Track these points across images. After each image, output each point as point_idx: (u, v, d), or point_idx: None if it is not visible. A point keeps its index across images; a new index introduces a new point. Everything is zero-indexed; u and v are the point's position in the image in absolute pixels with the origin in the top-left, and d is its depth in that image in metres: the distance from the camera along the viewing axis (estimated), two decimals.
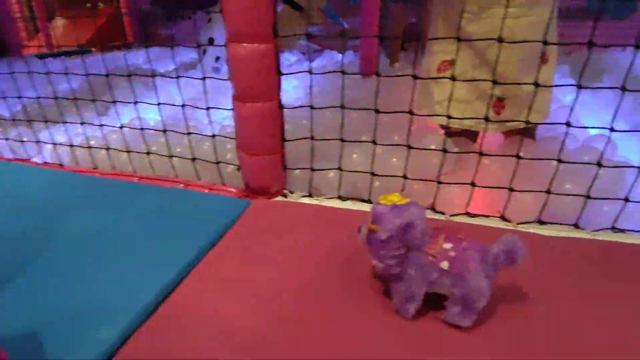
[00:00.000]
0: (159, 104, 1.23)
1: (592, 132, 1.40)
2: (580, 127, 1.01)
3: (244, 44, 0.99)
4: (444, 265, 0.67)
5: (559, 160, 0.97)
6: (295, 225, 1.00)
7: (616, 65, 2.52)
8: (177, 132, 1.26)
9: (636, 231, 0.99)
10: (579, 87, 0.91)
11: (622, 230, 1.00)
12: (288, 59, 3.38)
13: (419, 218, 0.67)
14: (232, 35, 1.01)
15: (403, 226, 0.66)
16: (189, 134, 1.23)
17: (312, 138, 1.11)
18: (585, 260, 0.88)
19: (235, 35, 1.00)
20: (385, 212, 0.67)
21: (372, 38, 2.44)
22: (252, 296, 0.78)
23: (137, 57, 3.73)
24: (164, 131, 1.26)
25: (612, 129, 0.93)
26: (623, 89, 0.89)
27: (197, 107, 1.20)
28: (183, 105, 1.21)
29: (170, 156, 1.29)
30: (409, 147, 1.05)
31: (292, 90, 2.37)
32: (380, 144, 1.07)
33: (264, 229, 1.00)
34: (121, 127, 1.36)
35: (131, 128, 1.37)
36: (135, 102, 1.29)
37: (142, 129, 1.32)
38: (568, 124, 0.94)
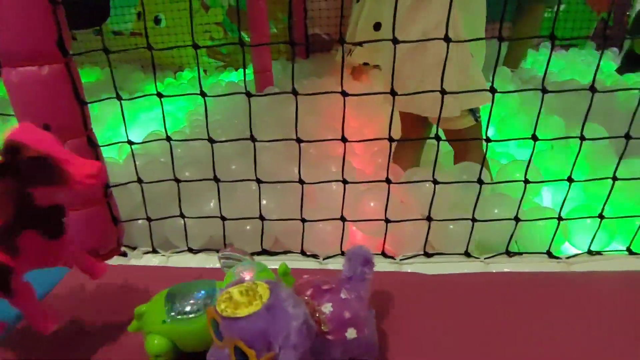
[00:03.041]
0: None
1: None
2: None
3: (18, 68, 0.74)
4: (351, 334, 0.49)
5: (435, 182, 0.80)
6: (114, 298, 0.75)
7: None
8: None
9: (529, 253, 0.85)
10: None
11: (519, 254, 0.86)
12: (185, 76, 3.11)
13: (299, 302, 0.45)
14: (3, 57, 0.75)
15: (305, 329, 0.42)
16: None
17: (139, 181, 0.87)
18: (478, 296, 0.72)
19: (6, 57, 0.74)
20: (262, 322, 0.42)
21: (265, 49, 2.25)
22: None
23: None
24: None
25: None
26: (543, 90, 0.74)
27: None
28: None
29: None
30: (259, 181, 0.84)
31: (180, 114, 2.11)
32: (225, 181, 0.85)
33: (72, 306, 0.74)
34: None
35: None
36: None
37: None
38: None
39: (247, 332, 0.41)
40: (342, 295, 0.51)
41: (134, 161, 0.87)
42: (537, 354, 0.59)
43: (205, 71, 3.35)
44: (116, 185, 0.88)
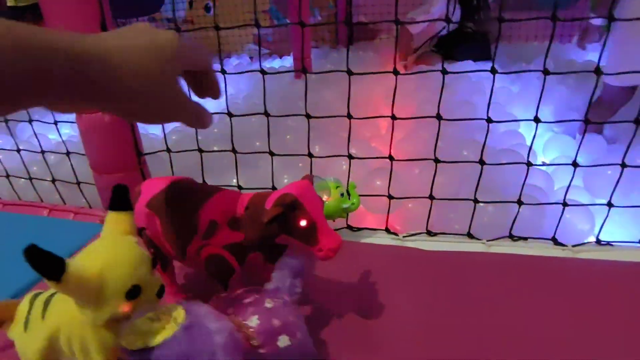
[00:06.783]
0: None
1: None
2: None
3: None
4: (284, 341, 0.45)
5: (436, 160, 0.83)
6: None
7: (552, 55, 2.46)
8: (28, 150, 1.11)
9: (534, 238, 0.86)
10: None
11: (524, 238, 0.87)
12: (232, 62, 3.24)
13: (221, 316, 0.42)
14: None
15: (232, 342, 0.40)
16: (43, 152, 1.08)
17: (167, 150, 0.96)
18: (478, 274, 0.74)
19: None
20: (182, 345, 0.37)
21: (305, 37, 2.31)
22: None
23: None
24: (18, 150, 1.11)
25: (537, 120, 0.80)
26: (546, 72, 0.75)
27: (45, 122, 1.04)
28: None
29: (30, 178, 1.13)
30: (272, 153, 0.90)
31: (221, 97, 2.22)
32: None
33: None
34: None
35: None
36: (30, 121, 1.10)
37: None
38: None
39: None
40: (267, 305, 0.47)
41: (164, 134, 0.96)
42: (531, 335, 0.60)
43: (251, 58, 3.48)
44: (148, 154, 0.98)
